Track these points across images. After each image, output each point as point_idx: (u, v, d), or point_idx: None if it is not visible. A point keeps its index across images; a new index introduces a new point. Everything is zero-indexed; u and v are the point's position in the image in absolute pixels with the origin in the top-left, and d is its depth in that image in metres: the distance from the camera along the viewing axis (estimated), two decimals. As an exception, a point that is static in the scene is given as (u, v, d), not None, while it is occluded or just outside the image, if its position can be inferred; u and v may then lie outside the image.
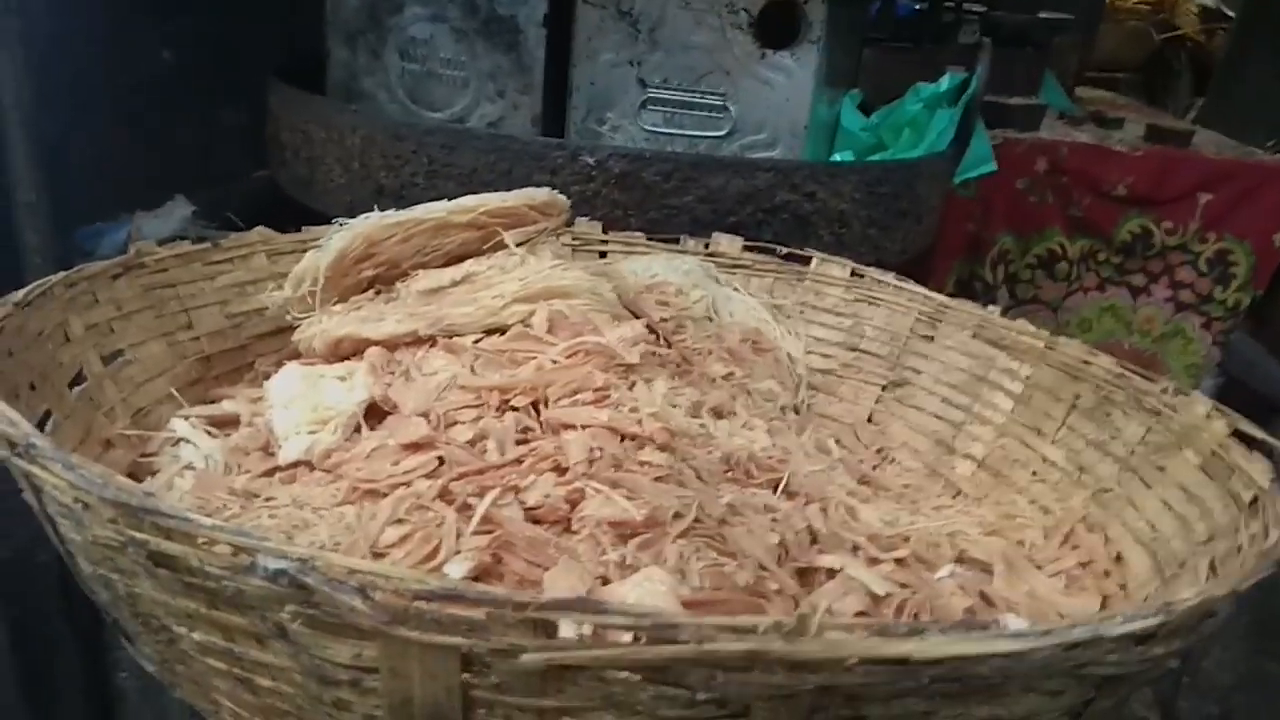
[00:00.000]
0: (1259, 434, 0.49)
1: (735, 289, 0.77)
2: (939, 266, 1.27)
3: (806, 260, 0.77)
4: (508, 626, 0.26)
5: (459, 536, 0.37)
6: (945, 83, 0.95)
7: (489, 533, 0.37)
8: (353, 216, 0.63)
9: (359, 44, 0.94)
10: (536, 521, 0.39)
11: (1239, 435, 0.50)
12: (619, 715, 0.29)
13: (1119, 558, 0.51)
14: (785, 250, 0.78)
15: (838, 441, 0.69)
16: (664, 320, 0.64)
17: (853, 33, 0.99)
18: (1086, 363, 0.61)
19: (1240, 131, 1.65)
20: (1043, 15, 1.35)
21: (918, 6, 1.30)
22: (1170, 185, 1.26)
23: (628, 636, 0.27)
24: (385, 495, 0.40)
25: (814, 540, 0.46)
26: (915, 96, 0.95)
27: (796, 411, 0.70)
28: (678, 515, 0.40)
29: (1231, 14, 2.65)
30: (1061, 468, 0.60)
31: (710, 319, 0.72)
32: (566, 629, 0.27)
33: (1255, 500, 0.45)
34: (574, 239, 0.76)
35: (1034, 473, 0.61)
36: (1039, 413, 0.63)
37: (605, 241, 0.77)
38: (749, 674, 0.27)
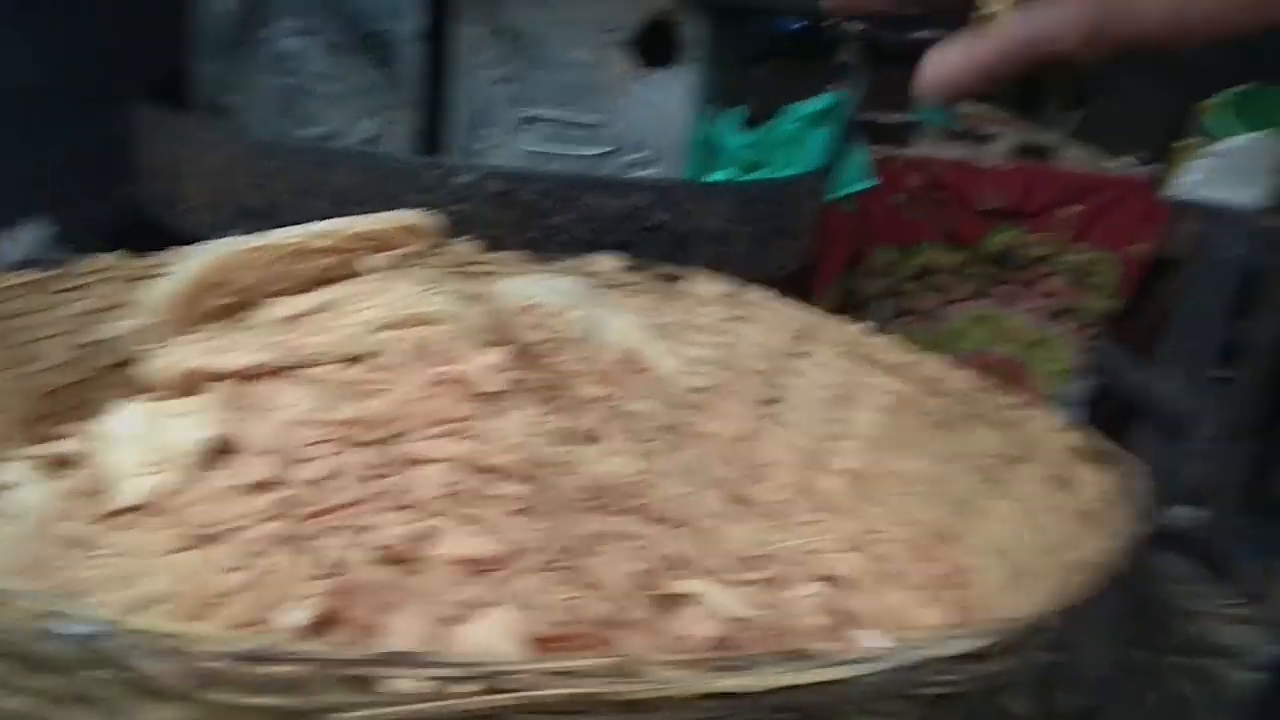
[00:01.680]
0: (1105, 445, 0.51)
1: (614, 308, 0.77)
2: (824, 280, 1.30)
3: (684, 279, 0.78)
4: (325, 685, 0.25)
5: (300, 582, 0.36)
6: (820, 102, 0.97)
7: (332, 577, 0.36)
8: (216, 237, 0.61)
9: (226, 58, 0.91)
10: (385, 562, 0.38)
11: (1086, 447, 0.52)
12: (451, 766, 0.28)
13: (974, 569, 0.53)
14: (664, 269, 0.78)
15: (713, 460, 0.70)
16: (538, 343, 0.64)
17: (733, 51, 1.00)
18: (945, 377, 0.63)
19: (1112, 143, 1.74)
20: (918, 34, 1.40)
21: (799, 26, 1.33)
22: (1038, 199, 1.32)
23: (458, 686, 0.26)
24: (224, 541, 0.38)
25: (677, 566, 0.46)
26: (791, 115, 0.97)
27: (673, 431, 0.71)
28: (534, 549, 0.40)
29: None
30: (924, 481, 0.61)
31: (587, 340, 0.72)
32: (398, 684, 0.27)
33: (1097, 512, 0.47)
34: (450, 260, 0.74)
35: (898, 487, 0.63)
36: (903, 427, 0.65)
37: (482, 262, 0.76)
38: (580, 718, 0.27)
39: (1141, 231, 1.39)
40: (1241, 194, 1.85)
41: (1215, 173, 1.97)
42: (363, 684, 0.26)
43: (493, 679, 0.26)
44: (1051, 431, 0.54)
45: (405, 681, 0.26)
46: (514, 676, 0.26)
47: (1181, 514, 2.35)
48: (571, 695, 0.26)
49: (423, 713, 0.26)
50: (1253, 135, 1.93)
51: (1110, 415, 1.53)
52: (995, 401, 0.59)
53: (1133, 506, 0.44)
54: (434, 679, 0.25)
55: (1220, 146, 1.99)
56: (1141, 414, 1.51)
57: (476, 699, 0.26)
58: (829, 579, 0.50)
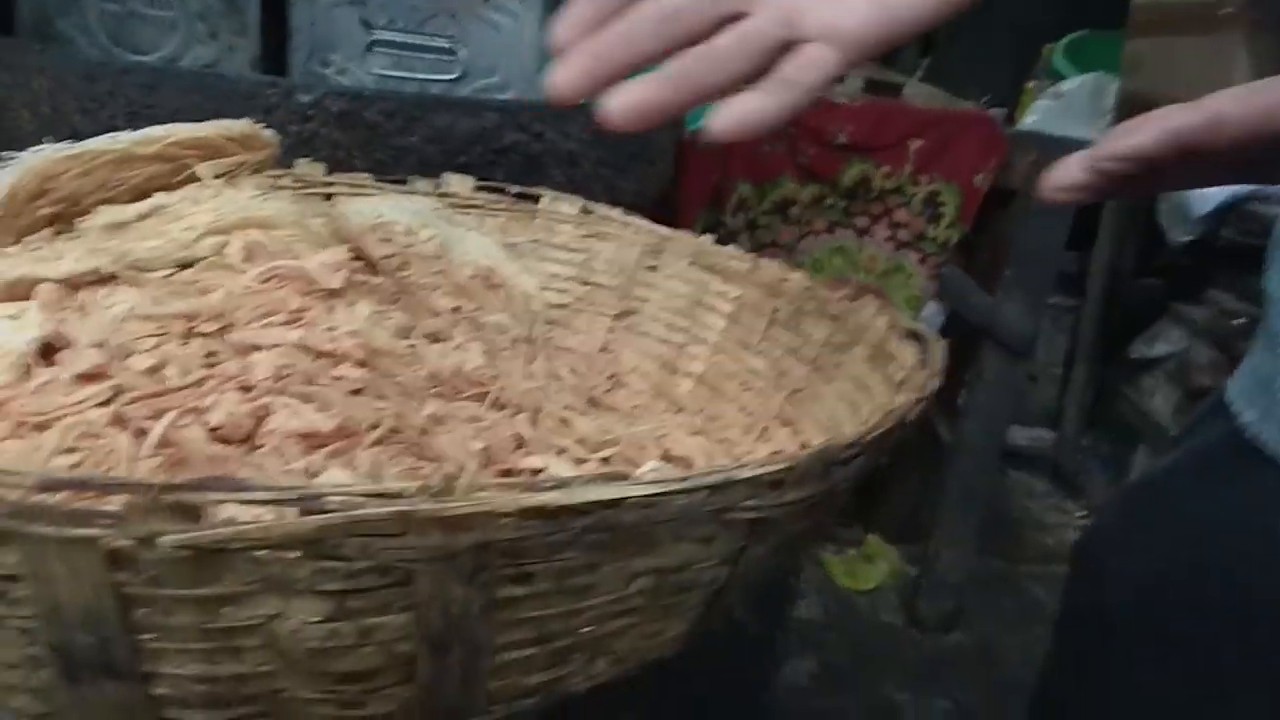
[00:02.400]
0: (913, 325, 0.56)
1: (468, 228, 0.77)
2: (686, 215, 1.33)
3: (538, 199, 0.79)
4: (147, 513, 0.26)
5: (132, 461, 0.36)
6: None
7: (166, 453, 0.37)
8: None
9: (50, -18, 0.86)
10: (221, 441, 0.39)
11: (902, 325, 0.57)
12: (282, 597, 0.29)
13: (804, 447, 0.56)
14: (517, 190, 0.79)
15: (571, 370, 0.72)
16: (388, 257, 0.64)
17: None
18: (783, 280, 0.67)
19: (958, 88, 1.83)
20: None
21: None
22: (884, 133, 1.37)
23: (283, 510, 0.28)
24: (54, 427, 0.38)
25: (521, 446, 0.48)
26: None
27: (530, 343, 0.72)
28: (373, 426, 0.41)
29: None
30: (764, 375, 0.65)
31: (440, 257, 0.72)
32: (225, 509, 0.28)
33: (906, 378, 0.51)
34: (295, 180, 0.74)
35: (742, 383, 0.66)
36: (746, 328, 0.68)
37: (329, 184, 0.75)
38: (404, 538, 0.29)
39: (983, 163, 1.47)
40: (1080, 130, 1.98)
41: (1056, 111, 2.10)
42: (190, 511, 0.27)
43: (314, 501, 0.27)
44: (870, 318, 0.58)
45: (232, 507, 0.27)
46: (336, 499, 0.27)
47: (1031, 434, 2.51)
48: (392, 513, 0.28)
49: (244, 535, 0.27)
50: (1090, 76, 2.07)
51: (960, 340, 1.62)
52: (823, 296, 0.63)
53: (931, 369, 0.48)
54: (254, 501, 0.27)
55: (1061, 87, 2.12)
56: (989, 339, 1.60)
57: (301, 521, 0.27)
58: (670, 458, 0.53)
